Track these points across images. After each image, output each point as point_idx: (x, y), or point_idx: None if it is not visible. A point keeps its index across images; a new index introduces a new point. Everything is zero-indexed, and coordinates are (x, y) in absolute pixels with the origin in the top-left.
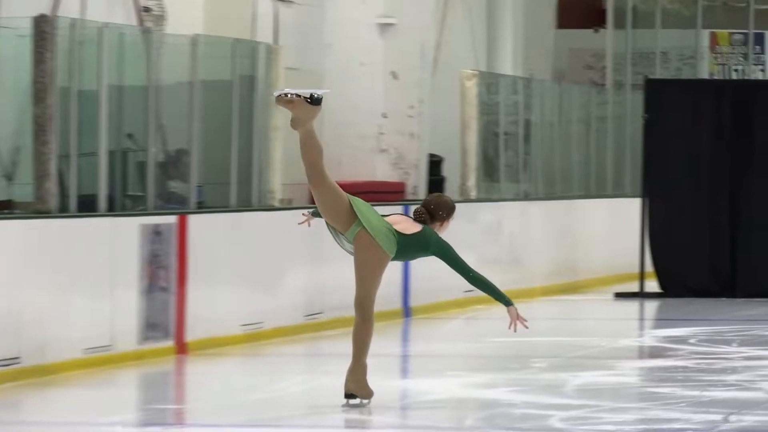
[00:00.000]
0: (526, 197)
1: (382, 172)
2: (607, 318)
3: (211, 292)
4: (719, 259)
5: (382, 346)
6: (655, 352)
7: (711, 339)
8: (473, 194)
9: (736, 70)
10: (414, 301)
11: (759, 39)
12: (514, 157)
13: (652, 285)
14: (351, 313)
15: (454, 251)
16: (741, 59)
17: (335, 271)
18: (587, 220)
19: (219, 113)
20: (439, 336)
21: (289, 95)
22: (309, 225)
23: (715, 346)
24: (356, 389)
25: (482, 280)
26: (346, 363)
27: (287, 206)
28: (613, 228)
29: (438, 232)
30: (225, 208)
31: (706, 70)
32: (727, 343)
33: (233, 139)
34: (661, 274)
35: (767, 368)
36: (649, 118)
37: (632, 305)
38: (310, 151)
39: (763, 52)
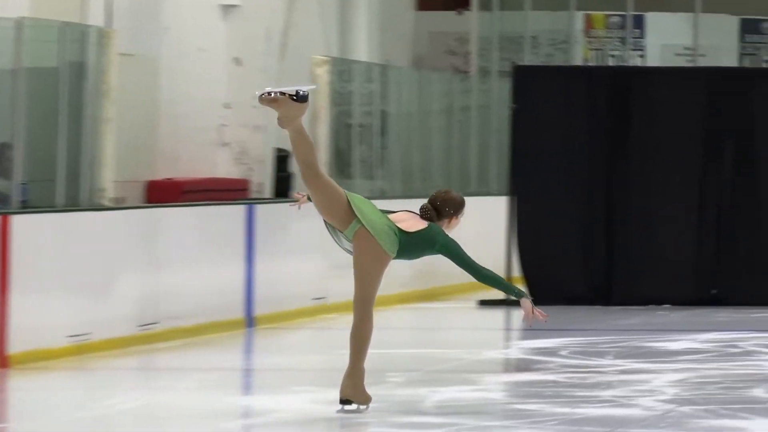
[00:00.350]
0: (382, 195)
1: (224, 168)
2: (470, 328)
3: (36, 299)
4: (594, 263)
5: (222, 359)
6: (522, 366)
7: (584, 351)
8: None
9: (612, 56)
10: (258, 310)
11: (638, 22)
12: (368, 152)
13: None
14: (188, 323)
15: (461, 249)
16: (618, 44)
17: (172, 277)
18: None
19: (45, 103)
20: (285, 348)
21: (272, 94)
22: (299, 208)
23: (589, 359)
24: (353, 395)
25: (493, 276)
26: (183, 378)
27: (119, 206)
28: (477, 229)
29: (446, 229)
30: (51, 207)
31: (579, 55)
32: (602, 355)
33: (61, 131)
34: (529, 280)
35: (645, 383)
36: (517, 108)
37: (497, 314)
38: (303, 149)
39: (642, 36)
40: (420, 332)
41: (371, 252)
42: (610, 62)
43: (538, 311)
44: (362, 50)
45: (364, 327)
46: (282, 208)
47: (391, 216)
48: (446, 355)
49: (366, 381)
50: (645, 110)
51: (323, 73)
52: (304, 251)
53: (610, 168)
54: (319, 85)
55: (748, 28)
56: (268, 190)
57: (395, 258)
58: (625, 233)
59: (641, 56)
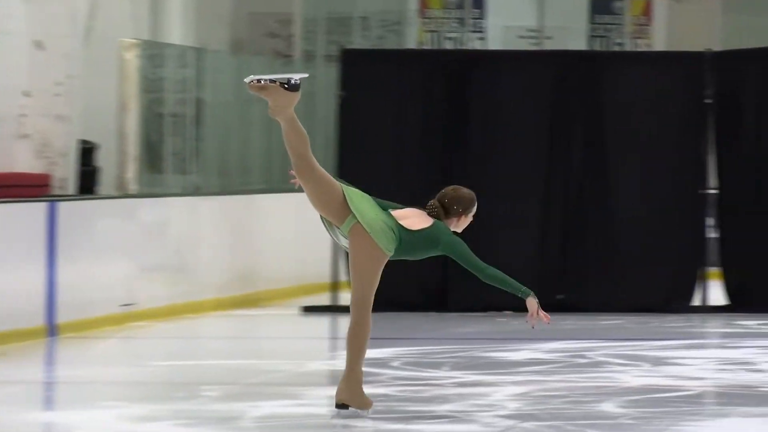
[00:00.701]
0: (197, 192)
1: (24, 162)
2: (292, 337)
3: None
4: (428, 267)
5: (21, 372)
6: None
7: (417, 362)
8: (133, 188)
9: (450, 39)
10: (61, 317)
11: (478, 1)
12: (182, 144)
13: (347, 297)
14: None
15: (466, 248)
16: (456, 25)
17: None
18: (270, 219)
19: None
20: (90, 359)
21: (262, 81)
22: (297, 186)
23: (423, 370)
24: (350, 399)
25: (499, 277)
26: None
27: None
28: (300, 229)
29: (455, 228)
30: None
31: (414, 38)
32: (437, 366)
33: None
34: None
35: (484, 396)
36: (346, 96)
37: (322, 321)
38: (296, 141)
39: (482, 16)
40: (237, 341)
41: (367, 249)
42: (447, 45)
43: (543, 313)
44: (175, 33)
45: (362, 329)
46: (88, 205)
47: (395, 212)
48: (267, 366)
49: (178, 394)
50: (485, 98)
51: (132, 57)
52: (111, 253)
53: (446, 161)
54: (309, 74)
55: (599, 7)
56: (72, 186)
57: (397, 257)
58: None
59: (481, 39)
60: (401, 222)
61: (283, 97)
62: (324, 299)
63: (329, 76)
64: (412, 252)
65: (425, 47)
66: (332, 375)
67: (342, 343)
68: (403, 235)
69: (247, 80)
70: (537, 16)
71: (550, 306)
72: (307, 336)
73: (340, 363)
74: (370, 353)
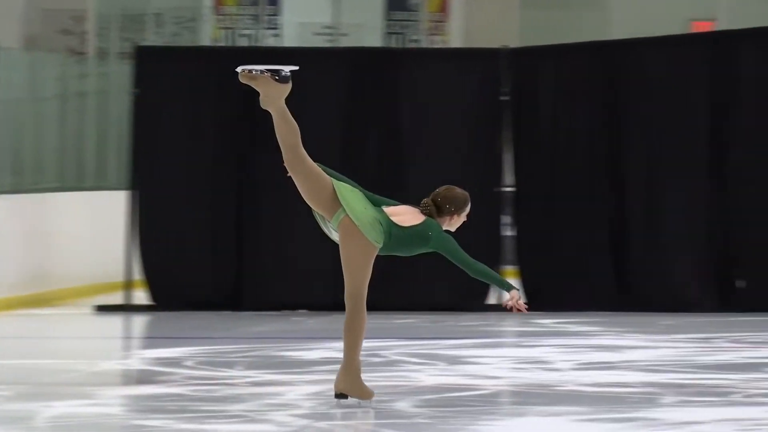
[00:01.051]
0: None
1: None
2: (86, 336)
3: None
4: (222, 265)
5: None
6: (143, 378)
7: (211, 361)
8: None
9: (244, 36)
10: None
11: None
12: None
13: (142, 296)
14: None
15: (456, 244)
16: (251, 22)
17: None
18: (63, 217)
19: None
20: None
21: (253, 71)
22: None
23: (216, 370)
24: (349, 389)
25: (486, 272)
26: None
27: None
28: (95, 227)
29: (447, 227)
30: None
31: (208, 35)
32: (230, 365)
33: None
34: (151, 283)
35: (277, 395)
36: (139, 94)
37: (116, 321)
38: (287, 132)
39: (277, 13)
40: (29, 341)
41: (356, 242)
42: (242, 42)
43: (522, 303)
44: None
45: (357, 320)
46: None
47: (388, 209)
48: (59, 366)
49: None
50: None
51: None
52: None
53: (241, 162)
54: (299, 66)
55: (395, 4)
56: None
57: (387, 252)
58: (256, 233)
59: (276, 36)
60: (392, 218)
61: (273, 89)
62: (118, 298)
63: (123, 73)
64: (402, 247)
65: (220, 44)
66: (125, 375)
67: (136, 343)
68: (393, 230)
69: (238, 69)
70: (333, 13)
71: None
72: (100, 335)
73: (134, 363)
74: (163, 353)
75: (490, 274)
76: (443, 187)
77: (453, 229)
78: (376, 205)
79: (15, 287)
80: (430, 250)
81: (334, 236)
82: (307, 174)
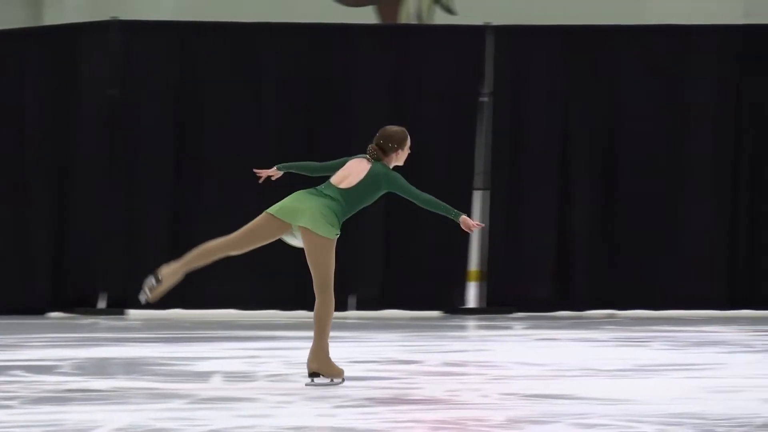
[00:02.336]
0: None
1: None
2: None
3: None
4: None
5: None
6: None
7: None
8: None
9: None
10: None
11: None
12: None
13: None
14: None
15: (403, 180)
16: None
17: None
18: None
19: None
20: None
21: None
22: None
23: None
24: (321, 369)
25: (433, 201)
26: None
27: None
28: None
29: (396, 163)
30: None
31: None
32: None
33: None
34: None
35: None
36: None
37: None
38: (202, 259)
39: None
40: None
41: (314, 243)
42: None
43: (475, 222)
44: None
45: (325, 308)
46: None
47: (336, 177)
48: None
49: None
50: None
51: None
52: None
53: None
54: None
55: None
56: None
57: (352, 214)
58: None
59: None
60: (341, 185)
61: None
62: None
63: None
64: (362, 202)
65: None
66: None
67: None
68: (346, 196)
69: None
70: None
71: None
72: None
73: None
74: None
75: (437, 203)
76: (380, 130)
77: (401, 163)
78: (332, 170)
79: None
80: (385, 191)
81: (298, 242)
82: (248, 243)
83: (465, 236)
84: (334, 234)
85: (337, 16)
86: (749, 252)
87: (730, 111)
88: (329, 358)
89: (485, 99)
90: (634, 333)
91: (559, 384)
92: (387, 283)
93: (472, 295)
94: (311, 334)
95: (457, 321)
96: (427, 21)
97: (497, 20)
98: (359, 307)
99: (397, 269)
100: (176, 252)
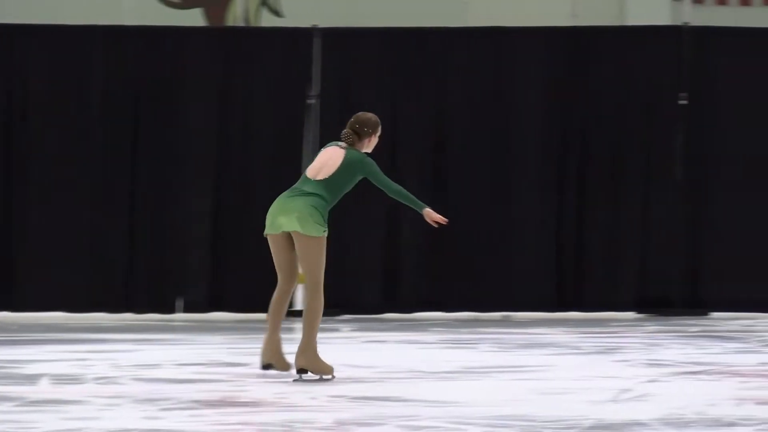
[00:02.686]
0: None
1: None
2: None
3: None
4: None
5: None
6: None
7: None
8: None
9: None
10: None
11: None
12: None
13: None
14: None
15: (378, 168)
16: None
17: None
18: None
19: None
20: None
21: None
22: None
23: None
24: (309, 365)
25: (402, 192)
26: None
27: None
28: None
29: (367, 149)
30: None
31: None
32: None
33: None
34: None
35: None
36: None
37: None
38: (280, 311)
39: None
40: None
41: (307, 245)
42: None
43: (439, 216)
44: None
45: (316, 306)
46: None
47: (311, 171)
48: None
49: None
50: None
51: None
52: None
53: None
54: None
55: None
56: None
57: (336, 201)
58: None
59: None
60: (318, 177)
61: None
62: None
63: None
64: (342, 190)
65: None
66: None
67: None
68: (325, 187)
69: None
70: None
71: None
72: None
73: None
74: None
75: (406, 195)
76: (354, 116)
77: (370, 150)
78: (300, 186)
79: None
80: (362, 177)
81: None
82: (282, 268)
83: None
84: (323, 231)
85: (165, 18)
86: (577, 254)
87: (557, 112)
88: (318, 355)
89: (312, 101)
90: (461, 335)
91: (386, 386)
92: (215, 285)
93: (299, 298)
94: (140, 336)
95: (284, 323)
96: (254, 23)
97: (324, 23)
98: (187, 310)
99: (226, 271)
100: None
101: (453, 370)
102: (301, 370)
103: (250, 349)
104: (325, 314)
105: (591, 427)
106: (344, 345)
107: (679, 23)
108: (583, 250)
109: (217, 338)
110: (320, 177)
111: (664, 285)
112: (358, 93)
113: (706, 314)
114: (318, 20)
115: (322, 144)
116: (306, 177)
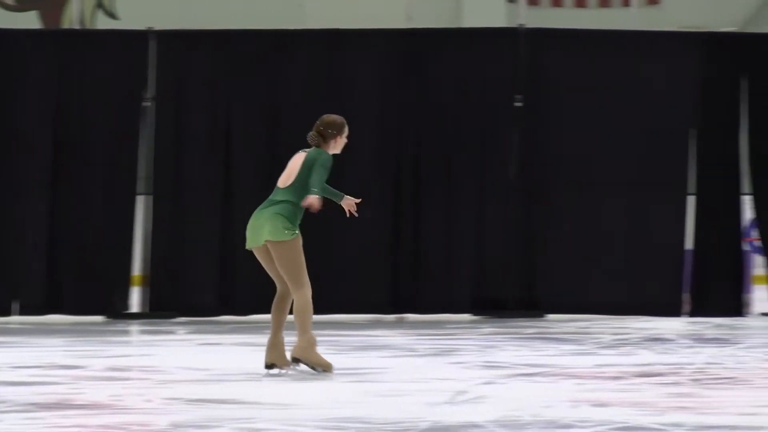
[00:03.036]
0: None
1: None
2: None
3: None
4: None
5: None
6: None
7: None
8: None
9: None
10: None
11: None
12: None
13: None
14: None
15: (326, 164)
16: None
17: None
18: None
19: None
20: None
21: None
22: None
23: None
24: (305, 356)
25: (327, 188)
26: None
27: None
28: None
29: (334, 151)
30: None
31: None
32: None
33: None
34: None
35: None
36: None
37: None
38: (281, 313)
39: None
40: None
41: (280, 251)
42: None
43: (352, 200)
44: None
45: (302, 304)
46: None
47: (282, 176)
48: None
49: None
50: None
51: None
52: None
53: None
54: None
55: None
56: None
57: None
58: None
59: None
60: (287, 185)
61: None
62: None
63: None
64: (309, 190)
65: None
66: None
67: None
68: (293, 192)
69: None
70: None
71: None
72: None
73: None
74: None
75: (328, 190)
76: (320, 118)
77: (339, 151)
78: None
79: None
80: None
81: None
82: (275, 276)
83: (128, 241)
84: (292, 235)
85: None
86: (412, 255)
87: (393, 113)
88: (315, 350)
89: (148, 103)
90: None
91: (223, 388)
92: (51, 287)
93: (135, 300)
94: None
95: (120, 326)
96: (90, 26)
97: (159, 25)
98: (23, 312)
99: (62, 273)
100: None
101: (289, 372)
102: (295, 360)
103: (86, 352)
104: (160, 317)
105: (427, 429)
106: (180, 347)
107: (514, 25)
108: (418, 252)
109: (54, 341)
110: (288, 184)
111: (500, 287)
112: (194, 95)
113: (541, 316)
114: (153, 22)
115: (158, 146)
116: (277, 187)
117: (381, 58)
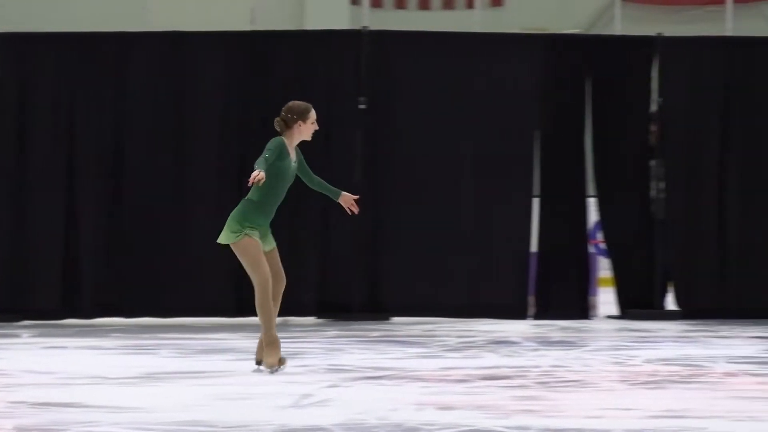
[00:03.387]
0: None
1: None
2: None
3: None
4: None
5: None
6: None
7: None
8: None
9: None
10: None
11: None
12: None
13: None
14: None
15: (272, 149)
16: None
17: None
18: None
19: None
20: None
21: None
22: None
23: None
24: (261, 357)
25: (321, 184)
26: None
27: None
28: None
29: (302, 137)
30: None
31: None
32: None
33: None
34: None
35: None
36: None
37: None
38: (270, 306)
39: None
40: None
41: (235, 252)
42: None
43: (352, 198)
44: None
45: (260, 299)
46: None
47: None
48: None
49: None
50: None
51: None
52: None
53: None
54: None
55: None
56: None
57: (276, 198)
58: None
59: None
60: (258, 179)
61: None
62: None
63: None
64: (273, 185)
65: None
66: None
67: None
68: (258, 190)
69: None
70: None
71: None
72: None
73: None
74: None
75: (324, 185)
76: (285, 105)
77: (309, 138)
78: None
79: None
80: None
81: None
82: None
83: None
84: (236, 237)
85: None
86: None
87: (236, 116)
88: (271, 348)
89: None
90: (142, 341)
91: (67, 392)
92: None
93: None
94: None
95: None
96: None
97: (1, 27)
98: None
99: None
100: None
101: (134, 375)
102: (258, 362)
103: None
104: (3, 320)
105: None
106: (24, 351)
107: (358, 27)
108: None
109: None
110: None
111: (344, 289)
112: (38, 97)
113: (387, 319)
114: None
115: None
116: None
117: (225, 59)
